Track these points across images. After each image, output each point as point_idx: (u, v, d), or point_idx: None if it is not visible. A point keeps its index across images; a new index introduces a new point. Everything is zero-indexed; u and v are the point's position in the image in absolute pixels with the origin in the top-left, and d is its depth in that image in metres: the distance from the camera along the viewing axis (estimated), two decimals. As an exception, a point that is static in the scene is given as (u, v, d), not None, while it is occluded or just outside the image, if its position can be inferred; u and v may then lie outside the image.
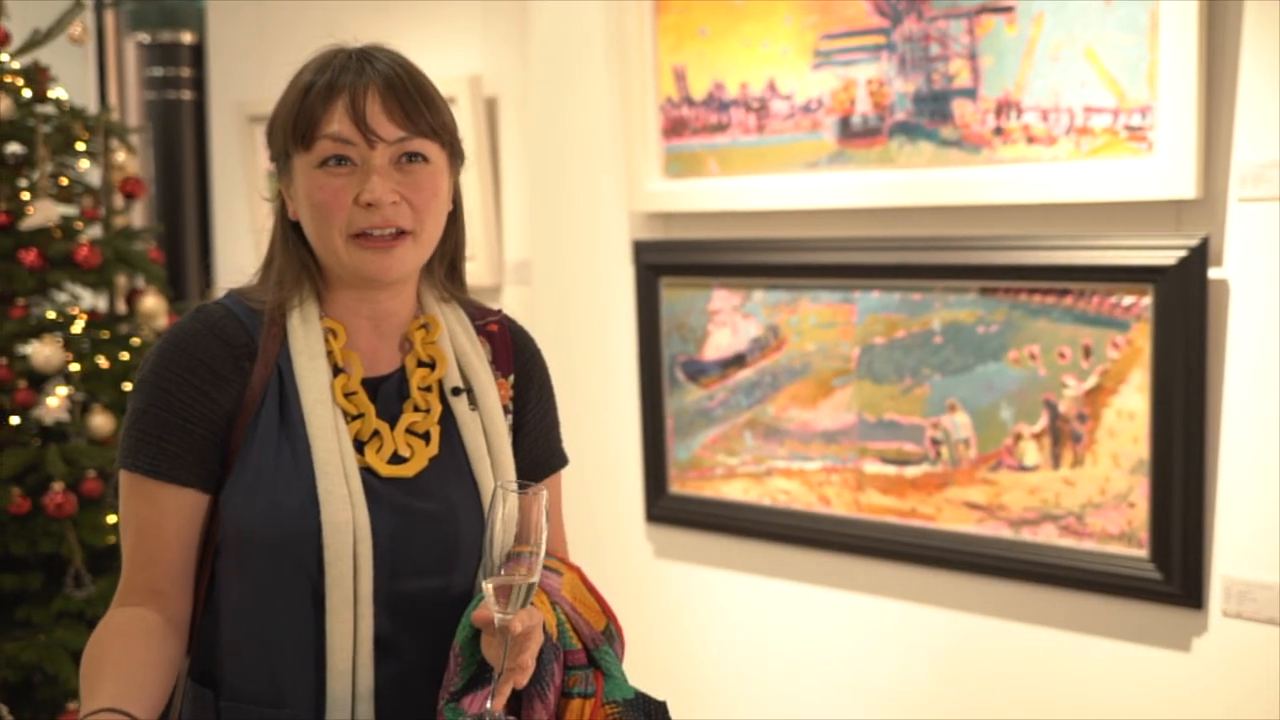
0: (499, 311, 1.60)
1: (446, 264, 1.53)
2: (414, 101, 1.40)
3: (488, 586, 1.30)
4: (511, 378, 1.55)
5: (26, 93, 3.11)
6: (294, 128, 1.40)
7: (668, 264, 2.87)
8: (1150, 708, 2.33)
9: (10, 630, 2.89)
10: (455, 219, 1.51)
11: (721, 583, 2.90)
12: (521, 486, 1.32)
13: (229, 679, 1.43)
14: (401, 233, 1.41)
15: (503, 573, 1.29)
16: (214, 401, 1.41)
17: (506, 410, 1.53)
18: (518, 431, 1.54)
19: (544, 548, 1.31)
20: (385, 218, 1.39)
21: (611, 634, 1.48)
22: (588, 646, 1.44)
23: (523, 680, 1.31)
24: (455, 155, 1.47)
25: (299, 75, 1.44)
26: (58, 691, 2.88)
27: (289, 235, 1.47)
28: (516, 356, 1.56)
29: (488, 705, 1.30)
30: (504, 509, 1.29)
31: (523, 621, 1.30)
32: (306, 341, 1.43)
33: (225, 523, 1.40)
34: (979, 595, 2.52)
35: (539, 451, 1.57)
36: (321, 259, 1.45)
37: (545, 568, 1.48)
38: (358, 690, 1.38)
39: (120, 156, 3.26)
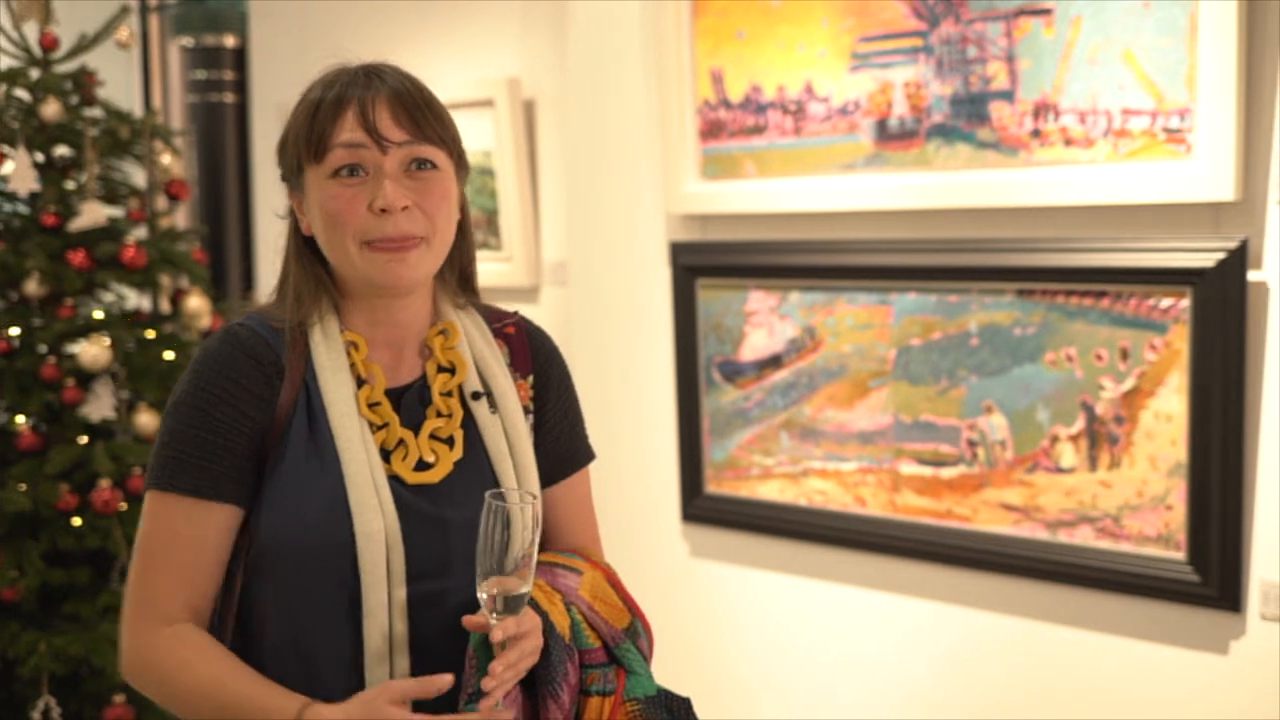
0: (515, 313, 1.63)
1: (457, 273, 1.57)
2: (421, 110, 1.45)
3: (480, 594, 1.34)
4: (531, 378, 1.58)
5: (74, 97, 3.17)
6: (306, 140, 1.44)
7: (704, 265, 2.88)
8: (1187, 711, 2.32)
9: (58, 624, 2.95)
10: (463, 230, 1.55)
11: (757, 582, 2.91)
12: (511, 495, 1.36)
13: None
14: (415, 238, 1.44)
15: (493, 580, 1.33)
16: (250, 419, 1.44)
17: (527, 411, 1.56)
18: (539, 430, 1.57)
19: (535, 555, 1.35)
20: (398, 226, 1.42)
21: (637, 631, 1.51)
22: (607, 644, 1.47)
23: (499, 692, 1.34)
24: (461, 166, 1.51)
25: (306, 93, 1.48)
26: (104, 684, 2.93)
27: (303, 251, 1.51)
28: (534, 356, 1.59)
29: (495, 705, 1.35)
30: (494, 518, 1.33)
31: (504, 631, 1.33)
32: (329, 356, 1.47)
33: (259, 536, 1.43)
34: (1015, 597, 2.52)
35: (563, 448, 1.60)
36: (337, 270, 1.49)
37: (564, 567, 1.51)
38: None
39: (165, 159, 3.30)
